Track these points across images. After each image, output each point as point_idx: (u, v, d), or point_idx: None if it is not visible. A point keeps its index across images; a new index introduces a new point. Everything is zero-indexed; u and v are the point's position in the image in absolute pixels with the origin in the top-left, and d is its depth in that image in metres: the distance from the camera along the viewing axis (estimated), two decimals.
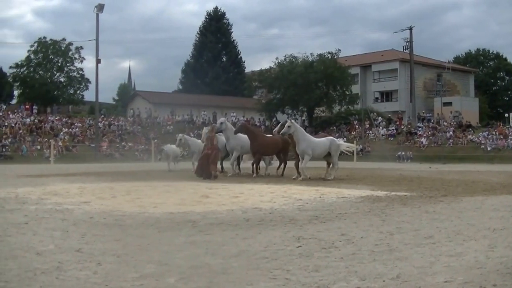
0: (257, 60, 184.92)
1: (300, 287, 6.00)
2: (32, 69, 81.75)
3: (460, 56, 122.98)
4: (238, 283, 6.11)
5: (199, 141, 30.11)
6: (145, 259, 7.30)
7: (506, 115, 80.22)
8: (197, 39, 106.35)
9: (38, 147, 58.44)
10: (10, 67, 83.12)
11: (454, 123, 72.62)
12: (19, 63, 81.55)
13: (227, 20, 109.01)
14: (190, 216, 11.54)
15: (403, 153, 62.16)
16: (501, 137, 61.40)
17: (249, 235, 9.22)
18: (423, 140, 66.06)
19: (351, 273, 6.50)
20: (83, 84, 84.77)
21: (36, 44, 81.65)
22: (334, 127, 77.78)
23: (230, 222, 10.66)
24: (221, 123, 26.85)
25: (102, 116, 74.44)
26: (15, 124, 63.13)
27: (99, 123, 65.26)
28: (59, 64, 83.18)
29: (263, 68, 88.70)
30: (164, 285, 6.11)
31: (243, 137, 26.34)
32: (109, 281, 6.18)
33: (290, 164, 25.45)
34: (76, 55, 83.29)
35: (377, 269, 6.69)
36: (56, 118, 69.39)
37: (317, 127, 78.84)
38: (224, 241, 8.66)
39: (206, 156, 24.10)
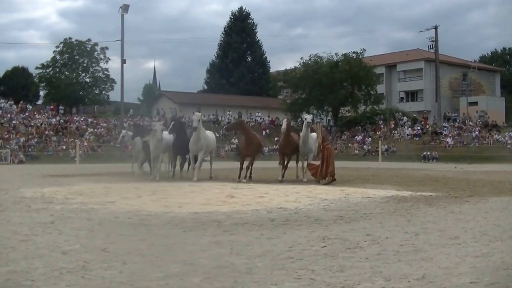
0: (281, 60, 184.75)
1: (325, 287, 5.99)
2: (57, 69, 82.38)
3: (486, 55, 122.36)
4: (263, 283, 6.11)
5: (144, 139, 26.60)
6: (170, 258, 7.32)
7: None
8: (222, 39, 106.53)
9: (64, 147, 58.84)
10: (36, 68, 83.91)
11: (480, 122, 72.14)
12: (45, 63, 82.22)
13: (252, 20, 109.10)
14: (215, 216, 11.56)
15: (428, 153, 61.88)
16: None
17: (274, 235, 9.22)
18: (449, 140, 65.63)
19: (376, 274, 6.48)
20: (109, 84, 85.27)
21: (61, 45, 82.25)
22: (359, 127, 77.58)
23: (255, 222, 10.66)
24: (199, 120, 23.54)
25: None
26: (41, 124, 63.58)
27: (124, 123, 65.54)
28: (85, 65, 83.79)
29: (287, 68, 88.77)
30: (189, 284, 6.12)
31: (211, 137, 25.15)
32: (134, 281, 6.21)
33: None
34: (101, 56, 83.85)
35: (402, 269, 6.67)
36: (82, 119, 69.84)
37: (342, 127, 78.77)
38: (249, 241, 8.66)
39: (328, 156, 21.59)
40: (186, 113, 76.68)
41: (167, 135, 24.29)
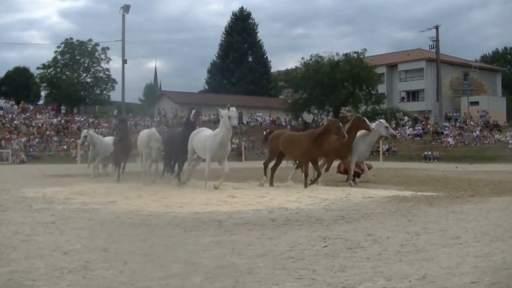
0: (282, 60, 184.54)
1: (326, 287, 5.99)
2: (59, 69, 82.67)
3: (487, 54, 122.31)
4: (264, 283, 6.11)
5: (106, 139, 26.82)
6: (171, 258, 7.32)
7: None
8: (223, 39, 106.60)
9: (65, 147, 58.91)
10: (37, 68, 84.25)
11: (481, 122, 72.18)
12: (46, 64, 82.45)
13: (253, 20, 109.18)
14: (216, 216, 11.56)
15: (429, 153, 61.86)
16: None
17: (275, 235, 9.22)
18: (450, 139, 65.63)
19: (377, 273, 6.48)
20: (110, 84, 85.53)
21: (63, 45, 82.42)
22: None
23: (256, 222, 10.66)
24: (237, 117, 19.39)
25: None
26: (42, 124, 63.67)
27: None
28: (86, 65, 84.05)
29: (289, 68, 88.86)
30: (190, 284, 6.12)
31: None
32: (135, 281, 6.21)
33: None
34: (103, 56, 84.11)
35: (403, 269, 6.66)
36: (83, 119, 69.89)
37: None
38: (250, 241, 8.66)
39: None
40: (186, 114, 76.63)
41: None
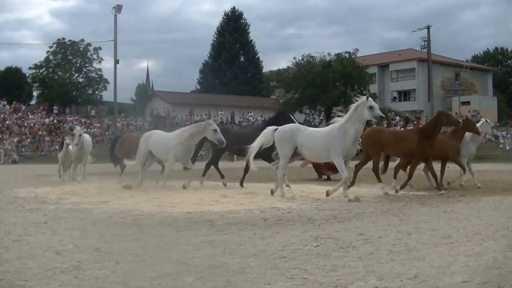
0: (274, 60, 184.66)
1: (318, 287, 6.00)
2: (51, 70, 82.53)
3: (478, 55, 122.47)
4: (256, 283, 6.13)
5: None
6: (163, 258, 7.32)
7: None
8: (215, 39, 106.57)
9: (57, 147, 58.74)
10: (29, 68, 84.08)
11: None
12: (38, 64, 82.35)
13: (245, 20, 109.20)
14: (208, 215, 11.57)
15: None
16: None
17: (267, 234, 9.23)
18: None
19: (369, 273, 6.49)
20: (102, 84, 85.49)
21: (55, 45, 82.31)
22: None
23: (248, 222, 10.67)
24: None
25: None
26: (34, 124, 63.55)
27: (117, 123, 65.53)
28: (78, 65, 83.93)
29: (280, 68, 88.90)
30: (182, 284, 6.13)
31: None
32: (127, 280, 6.21)
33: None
34: (95, 56, 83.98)
35: (395, 269, 6.68)
36: (75, 118, 69.77)
37: None
38: (242, 240, 8.67)
39: None
40: (179, 113, 76.79)
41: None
